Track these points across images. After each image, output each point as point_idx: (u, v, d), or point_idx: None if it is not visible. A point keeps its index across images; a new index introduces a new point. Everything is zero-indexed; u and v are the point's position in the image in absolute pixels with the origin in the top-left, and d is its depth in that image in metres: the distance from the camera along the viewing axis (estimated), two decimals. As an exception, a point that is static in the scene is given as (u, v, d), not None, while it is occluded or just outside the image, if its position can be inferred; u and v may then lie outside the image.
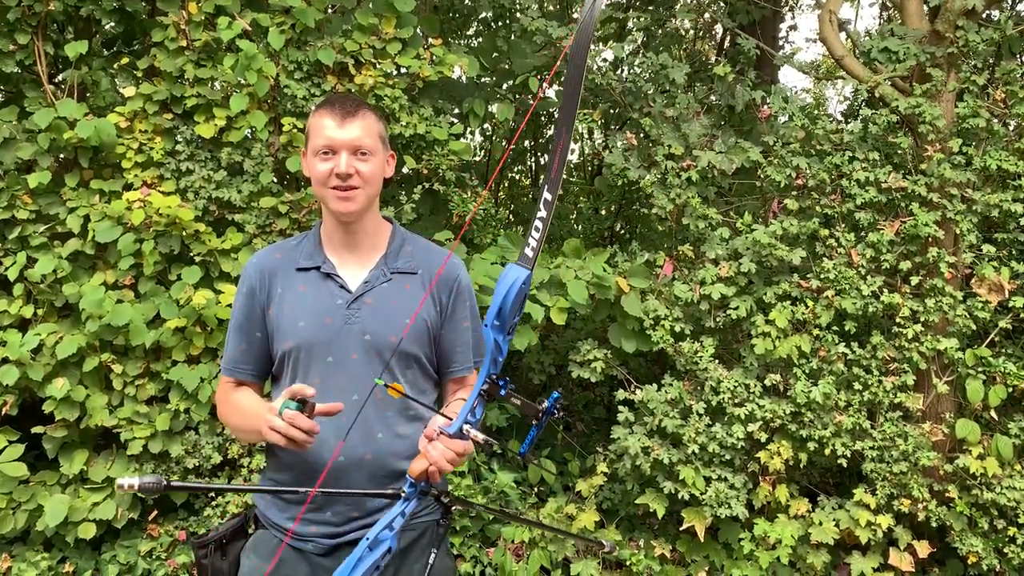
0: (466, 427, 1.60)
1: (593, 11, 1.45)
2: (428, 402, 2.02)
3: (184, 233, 4.08)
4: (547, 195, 1.49)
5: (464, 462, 1.76)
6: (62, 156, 4.28)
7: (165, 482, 1.56)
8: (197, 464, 4.08)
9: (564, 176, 7.02)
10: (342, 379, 1.91)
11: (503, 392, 1.55)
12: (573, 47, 1.46)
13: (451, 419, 1.65)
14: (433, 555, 1.78)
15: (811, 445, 4.02)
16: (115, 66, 4.41)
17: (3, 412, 3.94)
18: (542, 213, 1.49)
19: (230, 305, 3.97)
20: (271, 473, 2.01)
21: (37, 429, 4.02)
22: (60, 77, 4.41)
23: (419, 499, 1.67)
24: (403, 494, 1.65)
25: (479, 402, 1.59)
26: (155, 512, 4.15)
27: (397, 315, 1.95)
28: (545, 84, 5.08)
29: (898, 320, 4.07)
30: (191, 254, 4.12)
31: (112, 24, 4.67)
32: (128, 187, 4.17)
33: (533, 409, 1.57)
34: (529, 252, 1.49)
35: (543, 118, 6.55)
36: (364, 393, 1.90)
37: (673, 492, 4.05)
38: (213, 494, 4.14)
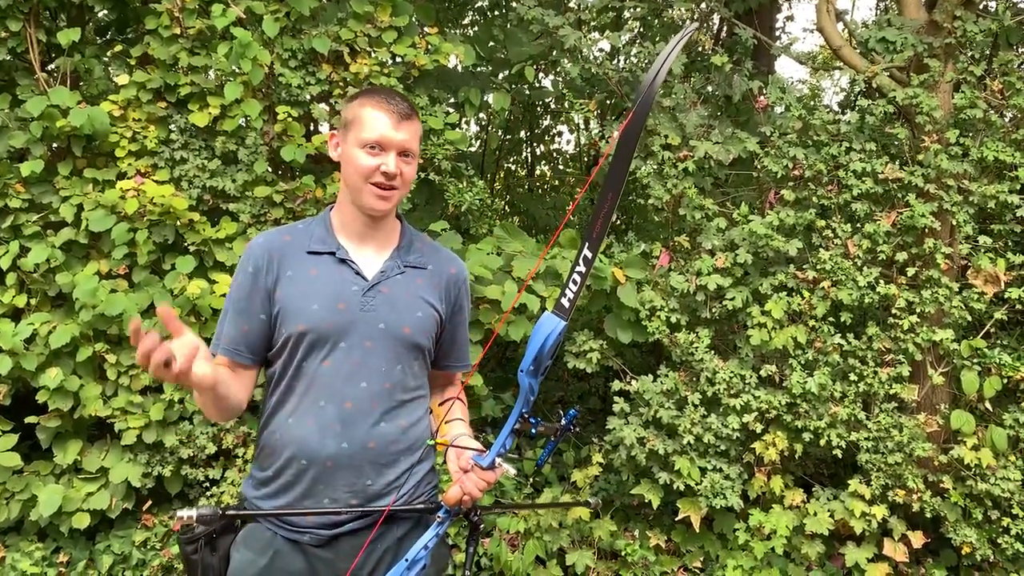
0: (498, 460, 1.76)
1: (656, 80, 1.49)
2: (423, 391, 2.06)
3: (178, 222, 4.06)
4: (587, 252, 1.57)
5: (492, 487, 1.88)
6: (55, 145, 4.25)
7: (220, 511, 1.71)
8: (192, 454, 4.07)
9: (561, 167, 7.03)
10: (353, 366, 1.91)
11: (534, 431, 1.71)
12: (635, 113, 1.50)
13: (483, 451, 1.82)
14: (472, 548, 1.91)
15: (806, 436, 4.03)
16: (108, 54, 4.38)
17: (-4, 402, 3.93)
18: (581, 268, 1.58)
19: (224, 295, 3.98)
20: (262, 460, 1.98)
21: (31, 419, 4.01)
22: (53, 65, 4.38)
23: (451, 520, 1.83)
24: (439, 518, 1.82)
25: (511, 436, 1.73)
26: (149, 502, 4.15)
27: (410, 307, 1.98)
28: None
29: (894, 311, 4.07)
30: (185, 243, 4.10)
31: (105, 11, 4.64)
32: (122, 176, 4.15)
33: (552, 429, 1.72)
34: (566, 303, 1.60)
35: (539, 108, 6.54)
36: (372, 381, 1.91)
37: (668, 483, 4.05)
38: (208, 485, 4.13)
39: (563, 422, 1.70)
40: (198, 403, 1.90)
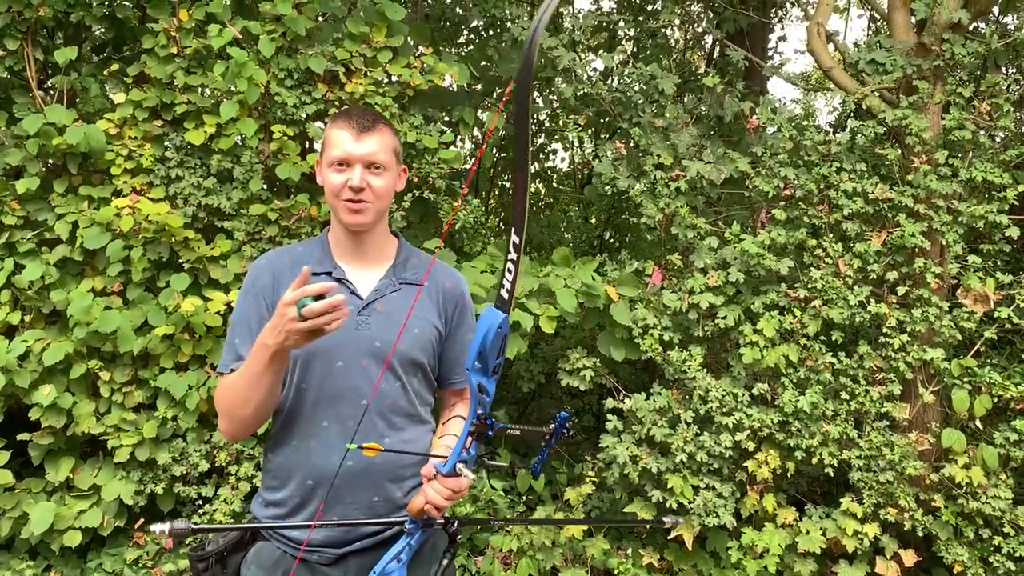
0: (459, 466, 1.67)
1: (532, 51, 1.44)
2: (427, 410, 2.06)
3: (173, 240, 4.07)
4: (515, 238, 1.50)
5: (461, 497, 1.81)
6: (51, 162, 4.27)
7: (193, 526, 1.67)
8: (184, 472, 4.07)
9: (555, 185, 7.05)
10: (351, 384, 1.91)
11: (491, 433, 1.62)
12: (515, 92, 1.46)
13: (446, 458, 1.72)
14: (447, 560, 1.88)
15: (798, 454, 4.04)
16: (105, 72, 4.40)
17: (-11, 419, 3.93)
18: (512, 255, 1.51)
19: (219, 312, 4.00)
20: (270, 482, 1.98)
21: (23, 436, 4.00)
22: (49, 83, 4.41)
23: (423, 531, 1.77)
24: (406, 530, 1.76)
25: (472, 440, 1.65)
26: (142, 520, 4.13)
27: (407, 324, 1.97)
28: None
29: (885, 330, 4.09)
30: (180, 261, 4.11)
31: (102, 30, 4.67)
32: (117, 193, 4.17)
33: (538, 434, 1.64)
34: (504, 294, 1.53)
35: (533, 127, 6.57)
36: (372, 399, 1.91)
37: (661, 501, 4.06)
38: (200, 502, 4.12)
39: (553, 426, 1.64)
40: (248, 400, 1.83)
